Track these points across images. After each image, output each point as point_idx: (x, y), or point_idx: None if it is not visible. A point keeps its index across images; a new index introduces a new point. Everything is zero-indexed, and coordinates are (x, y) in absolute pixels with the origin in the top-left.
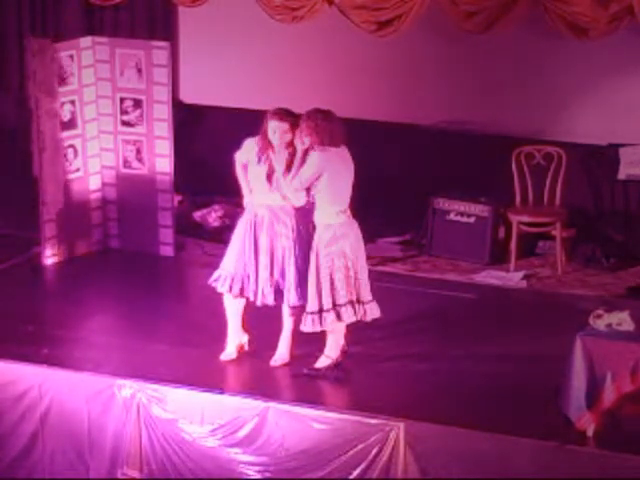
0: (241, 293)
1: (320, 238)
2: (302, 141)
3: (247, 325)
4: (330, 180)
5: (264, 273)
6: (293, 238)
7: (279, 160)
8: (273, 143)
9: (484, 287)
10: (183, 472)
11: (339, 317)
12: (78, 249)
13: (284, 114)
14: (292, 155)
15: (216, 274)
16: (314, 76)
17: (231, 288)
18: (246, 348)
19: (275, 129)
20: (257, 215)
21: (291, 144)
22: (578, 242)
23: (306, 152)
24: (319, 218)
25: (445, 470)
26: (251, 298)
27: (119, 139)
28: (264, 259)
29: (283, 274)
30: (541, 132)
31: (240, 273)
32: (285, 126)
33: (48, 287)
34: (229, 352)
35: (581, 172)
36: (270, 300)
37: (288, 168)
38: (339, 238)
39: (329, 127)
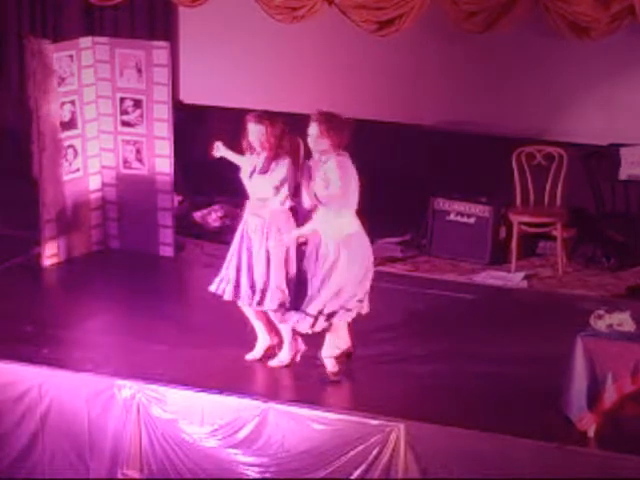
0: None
1: (354, 246)
2: (317, 145)
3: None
4: (355, 185)
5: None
6: (281, 243)
7: (255, 161)
8: (253, 145)
9: (484, 287)
10: (183, 473)
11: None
12: (78, 249)
13: (262, 117)
14: (270, 159)
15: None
16: (314, 76)
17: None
18: (277, 351)
19: (253, 131)
20: (246, 222)
21: (267, 146)
22: (579, 242)
23: (273, 159)
24: (344, 226)
25: (445, 470)
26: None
27: (119, 139)
28: (259, 266)
29: (282, 278)
30: (542, 132)
31: (234, 278)
32: (262, 129)
33: (48, 287)
34: (254, 352)
35: (582, 172)
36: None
37: (262, 170)
38: (365, 238)
39: (346, 129)
